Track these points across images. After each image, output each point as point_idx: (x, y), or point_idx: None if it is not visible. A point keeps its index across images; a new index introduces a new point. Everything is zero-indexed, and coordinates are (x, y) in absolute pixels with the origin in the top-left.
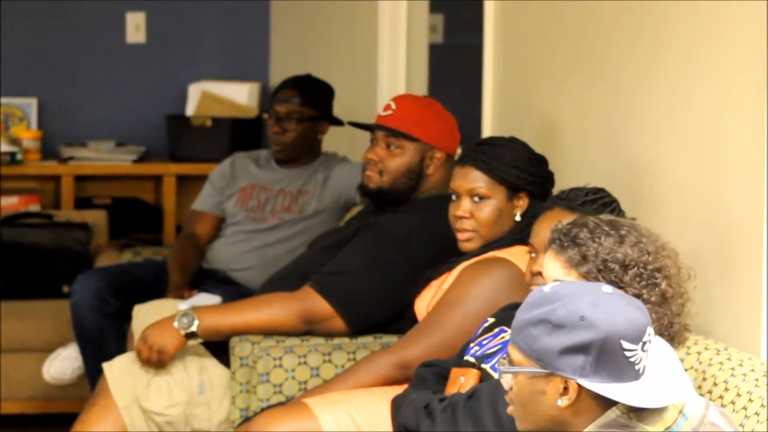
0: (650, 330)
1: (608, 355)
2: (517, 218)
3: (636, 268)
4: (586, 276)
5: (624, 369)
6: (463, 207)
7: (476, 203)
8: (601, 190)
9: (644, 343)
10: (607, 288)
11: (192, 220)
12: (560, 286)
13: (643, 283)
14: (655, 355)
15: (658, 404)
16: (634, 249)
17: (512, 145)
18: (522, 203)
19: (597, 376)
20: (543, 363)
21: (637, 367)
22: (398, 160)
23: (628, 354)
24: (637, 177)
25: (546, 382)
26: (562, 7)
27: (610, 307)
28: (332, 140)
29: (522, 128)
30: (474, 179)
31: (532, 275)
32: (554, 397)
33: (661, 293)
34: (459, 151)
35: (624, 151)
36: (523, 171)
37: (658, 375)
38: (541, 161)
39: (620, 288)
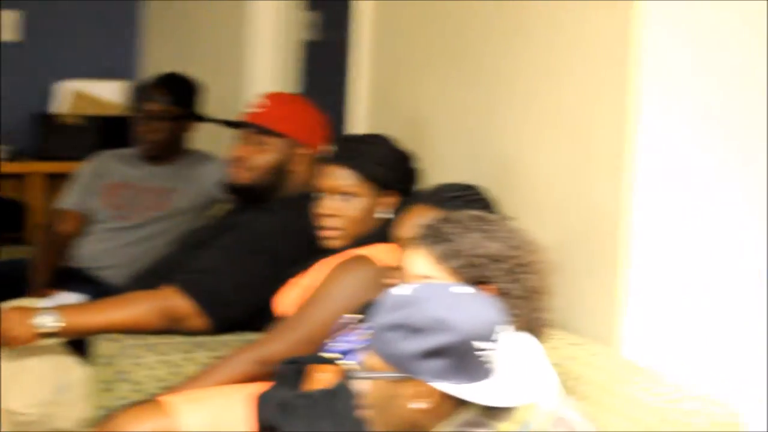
0: (501, 328)
1: (465, 357)
2: (384, 216)
3: (504, 263)
4: (454, 271)
5: (479, 369)
6: (328, 205)
7: (343, 201)
8: (470, 187)
9: (496, 341)
10: (462, 288)
11: (56, 218)
12: (414, 289)
13: (511, 277)
14: (513, 351)
15: (511, 403)
16: (502, 244)
17: (379, 143)
18: (390, 201)
19: (454, 378)
20: (401, 367)
21: (491, 366)
22: (265, 156)
23: (483, 354)
24: (501, 172)
25: (404, 387)
26: (430, 5)
27: (466, 309)
28: (199, 137)
29: (390, 125)
30: (341, 177)
31: (392, 269)
32: (412, 401)
33: (528, 288)
34: (327, 148)
35: (489, 147)
36: (391, 168)
37: (513, 372)
38: (408, 158)
39: (488, 283)
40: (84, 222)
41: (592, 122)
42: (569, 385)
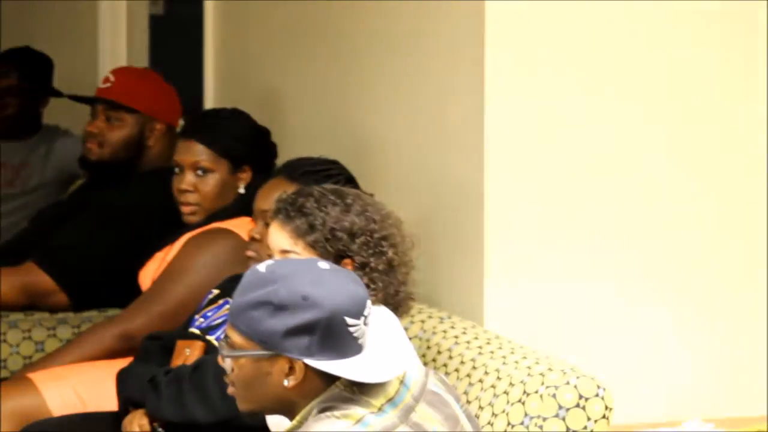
0: (369, 303)
1: (333, 333)
2: (241, 191)
3: (363, 237)
4: (313, 245)
5: (348, 344)
6: (186, 180)
7: (199, 176)
8: (329, 162)
9: (365, 317)
10: (324, 264)
11: None
12: (276, 265)
13: (371, 251)
14: (377, 326)
15: (381, 379)
16: (361, 217)
17: (235, 118)
18: (245, 176)
19: (322, 355)
20: (267, 345)
21: (360, 342)
22: (118, 132)
23: (351, 329)
24: (361, 147)
25: (271, 364)
26: None
27: (330, 285)
28: (54, 113)
29: (244, 101)
30: (197, 152)
31: (249, 241)
32: (280, 378)
33: (388, 261)
34: (181, 122)
35: (347, 123)
36: (246, 144)
37: (380, 347)
38: (264, 133)
39: (348, 256)
40: None
41: (451, 98)
42: (437, 359)
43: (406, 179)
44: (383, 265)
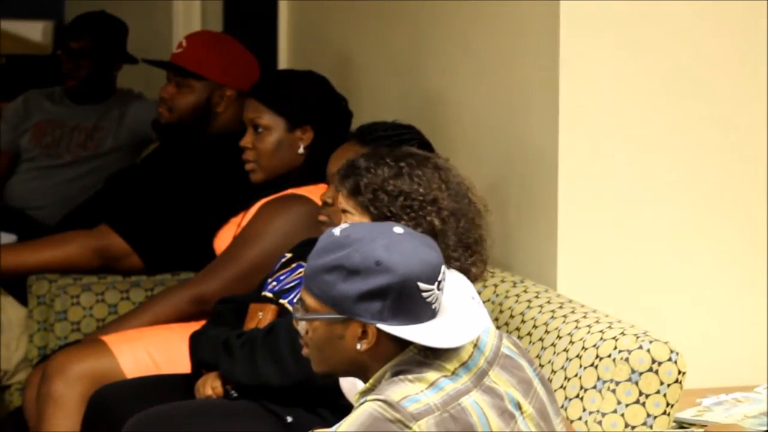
0: (444, 268)
1: (405, 298)
2: (300, 151)
3: (406, 200)
4: (362, 205)
5: (421, 309)
6: (246, 138)
7: (257, 134)
8: (405, 126)
9: (439, 282)
10: (399, 228)
11: None
12: (351, 229)
13: (413, 214)
14: (451, 290)
15: (454, 344)
16: (407, 180)
17: (298, 78)
18: (306, 136)
19: (395, 319)
20: (340, 309)
21: (434, 306)
22: (186, 98)
23: (425, 295)
24: (434, 112)
25: (344, 327)
26: None
27: (404, 249)
28: (129, 77)
29: (318, 64)
30: (255, 110)
31: (322, 206)
32: (352, 342)
33: (431, 226)
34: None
35: (420, 86)
36: (306, 104)
37: (454, 311)
38: (330, 95)
39: (390, 218)
40: (13, 161)
41: (524, 60)
42: (509, 323)
43: (479, 144)
44: (424, 230)
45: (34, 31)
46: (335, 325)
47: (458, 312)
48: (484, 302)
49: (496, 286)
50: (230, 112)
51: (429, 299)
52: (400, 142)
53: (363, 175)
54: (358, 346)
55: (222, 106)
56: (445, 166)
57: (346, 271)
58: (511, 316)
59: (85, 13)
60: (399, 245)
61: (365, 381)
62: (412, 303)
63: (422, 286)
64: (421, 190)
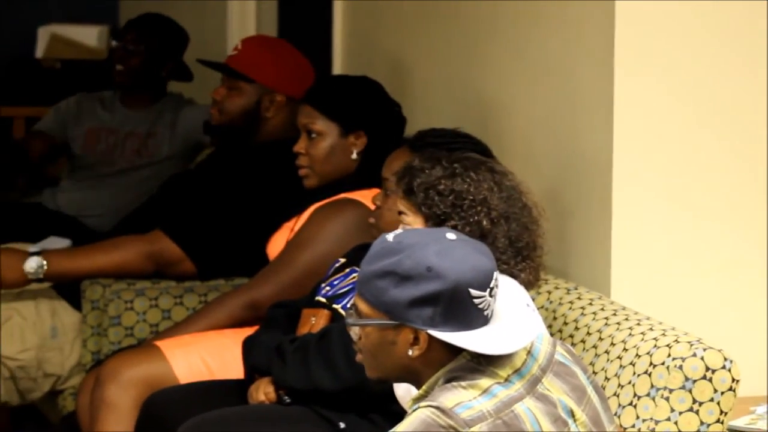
0: (496, 274)
1: (456, 304)
2: (354, 156)
3: (456, 198)
4: (416, 207)
5: (473, 316)
6: (299, 143)
7: (311, 140)
8: (459, 134)
9: (491, 288)
10: (452, 235)
11: (30, 138)
12: (404, 235)
13: (462, 214)
14: (504, 296)
15: (505, 351)
16: (459, 180)
17: (355, 84)
18: (359, 142)
19: (446, 326)
20: (392, 315)
21: (486, 313)
22: (235, 101)
23: (476, 301)
24: (488, 117)
25: (395, 333)
26: None
27: (455, 256)
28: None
29: (372, 69)
30: (309, 115)
31: (374, 209)
32: (404, 348)
33: (479, 226)
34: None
35: (473, 92)
36: (360, 109)
37: (507, 318)
38: (383, 101)
39: (441, 217)
40: (53, 145)
41: (578, 65)
42: (563, 330)
43: (534, 150)
44: (472, 230)
45: (89, 35)
46: (387, 331)
47: (511, 319)
48: (537, 309)
49: (549, 292)
50: (280, 117)
51: (480, 306)
52: (450, 150)
53: (417, 176)
54: (410, 352)
55: (272, 111)
56: (500, 170)
57: (398, 277)
58: (565, 323)
59: (138, 15)
60: (451, 251)
61: (418, 387)
62: (463, 309)
63: (473, 292)
64: (471, 189)
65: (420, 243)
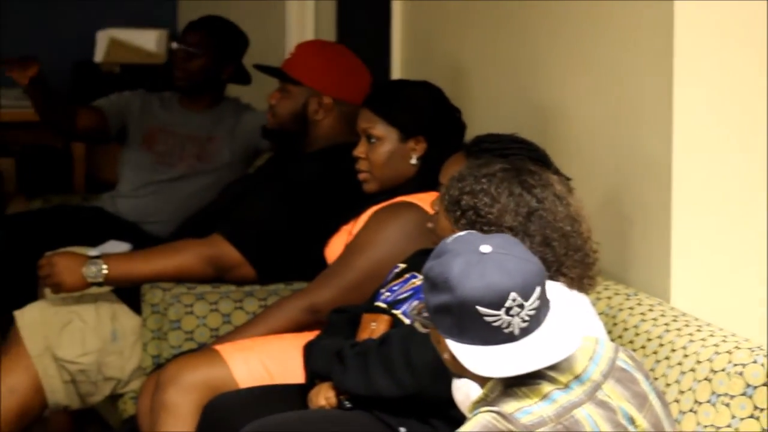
0: (515, 295)
1: (467, 320)
2: (413, 161)
3: (474, 214)
4: (454, 218)
5: (488, 333)
6: (359, 148)
7: (370, 144)
8: (514, 140)
9: (509, 308)
10: (487, 247)
11: (83, 112)
12: (455, 239)
13: (478, 227)
14: (548, 310)
15: (530, 368)
16: (481, 197)
17: (411, 88)
18: (419, 147)
19: (463, 337)
20: (429, 317)
21: (507, 331)
22: (285, 103)
23: (488, 319)
24: (546, 123)
25: (435, 335)
26: None
27: (475, 271)
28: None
29: (430, 74)
30: (368, 120)
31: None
32: (441, 350)
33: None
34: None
35: (532, 96)
36: (419, 114)
37: (540, 334)
38: (443, 107)
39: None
40: (103, 122)
41: (637, 70)
42: (623, 336)
43: (593, 155)
44: None
45: (148, 39)
46: (434, 331)
47: (543, 337)
48: (597, 315)
49: (609, 298)
50: (330, 120)
51: (496, 324)
52: (503, 155)
53: (451, 186)
54: (446, 356)
55: (320, 114)
56: (532, 183)
57: (429, 282)
58: (625, 329)
59: (206, 16)
60: (474, 266)
61: (482, 386)
62: (474, 326)
63: (482, 310)
64: (493, 211)
65: (455, 251)
